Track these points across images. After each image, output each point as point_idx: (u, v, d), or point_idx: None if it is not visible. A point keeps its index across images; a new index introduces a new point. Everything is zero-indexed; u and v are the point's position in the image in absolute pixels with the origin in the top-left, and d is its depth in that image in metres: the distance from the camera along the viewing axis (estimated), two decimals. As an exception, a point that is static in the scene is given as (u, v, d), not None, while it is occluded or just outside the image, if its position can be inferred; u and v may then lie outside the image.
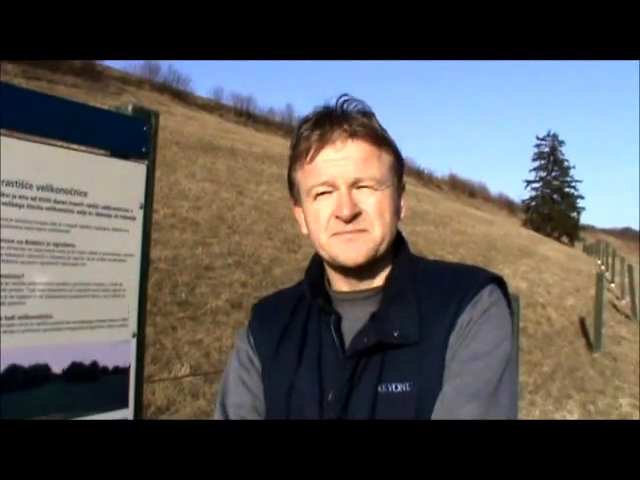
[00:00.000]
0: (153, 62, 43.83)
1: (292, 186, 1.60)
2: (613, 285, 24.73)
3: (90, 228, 1.83)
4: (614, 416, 8.37)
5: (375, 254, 1.48)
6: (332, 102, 1.52)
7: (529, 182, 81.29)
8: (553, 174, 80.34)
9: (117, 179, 1.92)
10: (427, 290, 1.49)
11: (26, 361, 1.70)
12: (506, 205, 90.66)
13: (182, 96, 44.27)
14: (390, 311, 1.47)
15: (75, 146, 1.84)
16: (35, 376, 1.71)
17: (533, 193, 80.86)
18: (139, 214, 1.98)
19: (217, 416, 1.60)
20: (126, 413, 1.95)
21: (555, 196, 78.93)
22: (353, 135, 1.46)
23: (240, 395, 1.59)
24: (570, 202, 78.66)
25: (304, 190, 1.53)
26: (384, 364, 1.43)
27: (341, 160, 1.45)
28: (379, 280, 1.55)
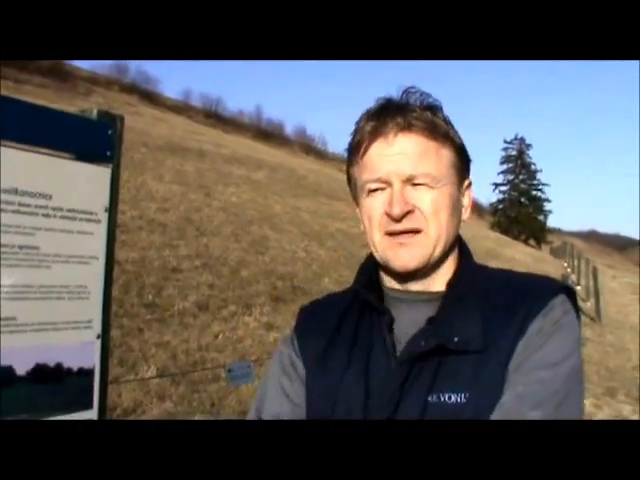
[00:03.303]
0: (122, 62, 43.61)
1: (350, 181, 1.52)
2: (579, 287, 24.92)
3: (55, 231, 1.84)
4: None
5: (429, 257, 1.39)
6: (396, 94, 1.44)
7: (497, 185, 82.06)
8: (520, 177, 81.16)
9: (82, 182, 1.93)
10: (492, 298, 1.39)
11: (-10, 363, 1.70)
12: (474, 208, 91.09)
13: (151, 97, 44.13)
14: (450, 315, 1.36)
15: (40, 149, 1.84)
16: (0, 378, 1.72)
17: (501, 196, 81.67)
18: (104, 217, 1.99)
19: None
20: (90, 414, 1.96)
21: (522, 199, 79.79)
22: (408, 128, 1.37)
23: (280, 404, 1.48)
24: (537, 205, 79.51)
25: (359, 186, 1.45)
26: (438, 372, 1.32)
27: (395, 155, 1.37)
28: (440, 284, 1.44)
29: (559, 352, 1.30)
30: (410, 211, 1.36)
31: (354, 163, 1.46)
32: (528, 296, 1.36)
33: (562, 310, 1.35)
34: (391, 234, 1.38)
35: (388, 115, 1.38)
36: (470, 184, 1.51)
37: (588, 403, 9.03)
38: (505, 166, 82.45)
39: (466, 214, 1.51)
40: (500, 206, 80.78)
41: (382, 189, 1.39)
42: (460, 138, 1.46)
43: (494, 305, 1.37)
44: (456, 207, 1.44)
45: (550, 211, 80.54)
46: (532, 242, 71.91)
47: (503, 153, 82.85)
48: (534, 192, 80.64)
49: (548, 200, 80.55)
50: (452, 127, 1.45)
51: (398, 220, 1.36)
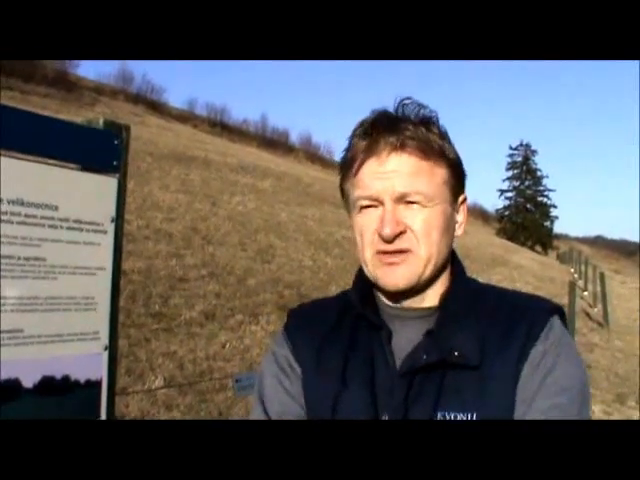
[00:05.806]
0: (127, 72, 43.81)
1: (343, 196, 1.50)
2: (586, 293, 24.85)
3: (61, 242, 1.83)
4: (587, 423, 8.42)
5: (420, 277, 1.38)
6: (392, 105, 1.42)
7: (503, 191, 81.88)
8: (526, 183, 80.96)
9: (88, 193, 1.93)
10: (487, 313, 1.40)
11: (-3, 375, 1.69)
12: (480, 214, 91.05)
13: (156, 107, 44.28)
14: (448, 330, 1.36)
15: (46, 160, 1.84)
16: (6, 391, 1.71)
17: (507, 202, 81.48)
18: (110, 227, 1.99)
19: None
20: (98, 426, 1.95)
21: (528, 205, 79.55)
22: (400, 147, 1.36)
23: (283, 404, 1.48)
24: (543, 211, 79.31)
25: (351, 202, 1.44)
26: (442, 388, 1.32)
27: (388, 173, 1.35)
28: (431, 300, 1.44)
29: (569, 375, 1.32)
30: (402, 231, 1.35)
31: (347, 179, 1.46)
32: (526, 316, 1.36)
33: (561, 330, 1.36)
34: (382, 253, 1.37)
35: (381, 133, 1.37)
36: (465, 199, 1.50)
37: (598, 410, 8.99)
38: (511, 172, 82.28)
39: (460, 230, 1.49)
40: (506, 212, 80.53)
41: (375, 206, 1.38)
42: (455, 152, 1.45)
43: (490, 322, 1.38)
44: (449, 225, 1.43)
45: (556, 217, 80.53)
46: (539, 248, 71.77)
47: (508, 159, 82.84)
48: (540, 198, 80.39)
49: (554, 206, 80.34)
50: (447, 141, 1.43)
51: (389, 241, 1.35)
